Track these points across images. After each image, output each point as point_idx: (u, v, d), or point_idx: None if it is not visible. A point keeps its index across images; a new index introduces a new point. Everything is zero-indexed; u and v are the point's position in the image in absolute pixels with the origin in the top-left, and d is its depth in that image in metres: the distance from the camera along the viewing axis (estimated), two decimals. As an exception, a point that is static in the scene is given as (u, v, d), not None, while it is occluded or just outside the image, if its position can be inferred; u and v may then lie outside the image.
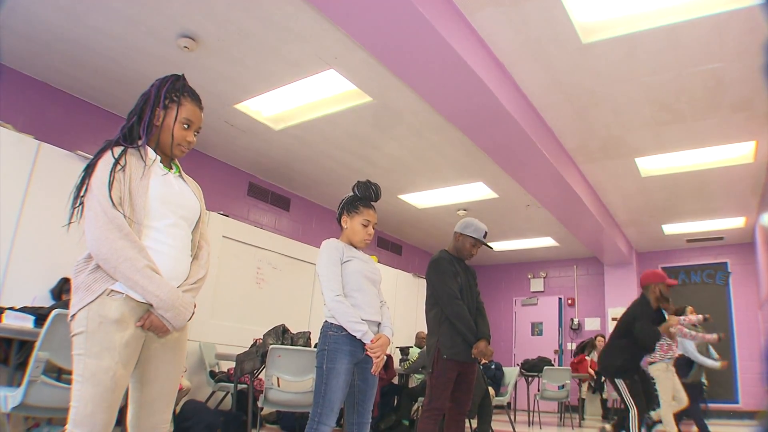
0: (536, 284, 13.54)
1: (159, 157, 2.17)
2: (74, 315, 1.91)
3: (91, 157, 2.09)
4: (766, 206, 8.10)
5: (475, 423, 6.84)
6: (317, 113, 6.64)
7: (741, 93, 5.79)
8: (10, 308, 3.96)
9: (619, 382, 5.12)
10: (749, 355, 10.69)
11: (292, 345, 5.29)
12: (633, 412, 5.01)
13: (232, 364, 5.75)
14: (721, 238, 11.15)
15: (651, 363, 6.00)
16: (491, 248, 4.62)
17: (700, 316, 6.67)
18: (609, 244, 10.49)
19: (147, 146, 2.15)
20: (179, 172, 2.28)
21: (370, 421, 3.11)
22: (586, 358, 10.62)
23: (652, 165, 7.83)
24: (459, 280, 4.16)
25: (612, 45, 5.14)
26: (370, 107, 6.38)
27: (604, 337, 11.02)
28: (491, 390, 7.22)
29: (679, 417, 6.18)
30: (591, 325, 12.40)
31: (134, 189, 2.02)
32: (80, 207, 2.02)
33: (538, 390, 8.88)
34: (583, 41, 5.08)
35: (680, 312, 6.66)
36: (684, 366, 7.14)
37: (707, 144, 7.06)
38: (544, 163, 6.78)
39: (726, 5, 4.56)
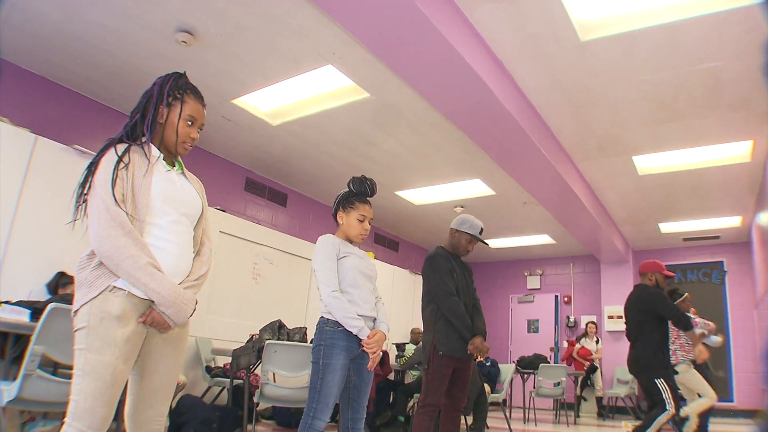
0: (533, 282, 13.57)
1: (162, 155, 2.18)
2: (77, 311, 1.93)
3: (90, 152, 2.10)
4: (763, 205, 8.11)
5: (470, 419, 6.85)
6: (315, 109, 6.63)
7: (739, 92, 5.80)
8: (6, 302, 3.95)
9: (660, 383, 4.90)
10: (744, 354, 10.73)
11: (288, 340, 5.29)
12: (668, 413, 4.83)
13: (229, 360, 5.75)
14: (717, 237, 11.17)
15: (673, 365, 5.95)
16: (487, 245, 4.63)
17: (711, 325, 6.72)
18: (606, 242, 10.51)
19: (150, 143, 2.16)
20: (182, 169, 2.30)
21: (365, 416, 3.12)
22: (577, 345, 10.71)
23: (649, 163, 7.84)
24: (455, 276, 4.17)
25: (610, 43, 5.14)
26: (368, 103, 6.38)
27: (595, 324, 11.09)
28: (487, 387, 7.24)
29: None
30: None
31: (137, 186, 2.03)
32: (84, 205, 2.04)
33: (534, 387, 8.91)
34: (581, 39, 5.08)
35: (676, 294, 6.64)
36: None
37: (705, 143, 7.07)
38: (542, 160, 6.78)
39: (725, 4, 4.56)
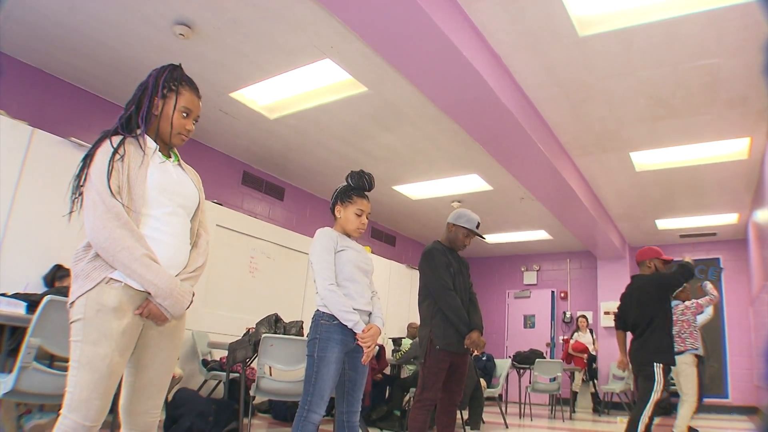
0: (529, 277, 13.59)
1: (158, 146, 2.18)
2: (73, 302, 1.93)
3: (87, 145, 2.09)
4: (759, 203, 8.13)
5: (466, 414, 6.87)
6: (313, 103, 6.62)
7: (736, 89, 5.80)
8: (2, 294, 3.95)
9: (658, 368, 4.66)
10: (739, 350, 10.77)
11: (284, 334, 5.30)
12: (654, 399, 4.61)
13: (225, 353, 5.76)
14: (714, 234, 11.20)
15: (679, 353, 5.83)
16: (484, 238, 4.63)
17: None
18: (602, 238, 10.53)
19: (146, 135, 2.15)
20: (178, 160, 2.30)
21: (360, 410, 3.13)
22: (571, 341, 10.76)
23: (646, 160, 7.85)
24: (452, 271, 4.17)
25: (608, 39, 5.13)
26: (365, 97, 6.37)
27: (586, 318, 11.13)
28: (483, 381, 7.25)
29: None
30: (583, 318, 12.46)
31: (132, 178, 2.03)
32: (80, 197, 2.03)
33: (530, 382, 8.93)
34: (579, 34, 5.08)
35: None
36: None
37: (702, 139, 7.08)
38: (539, 155, 6.78)
39: (723, 1, 4.56)
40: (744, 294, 10.97)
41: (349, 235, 3.25)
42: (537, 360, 8.91)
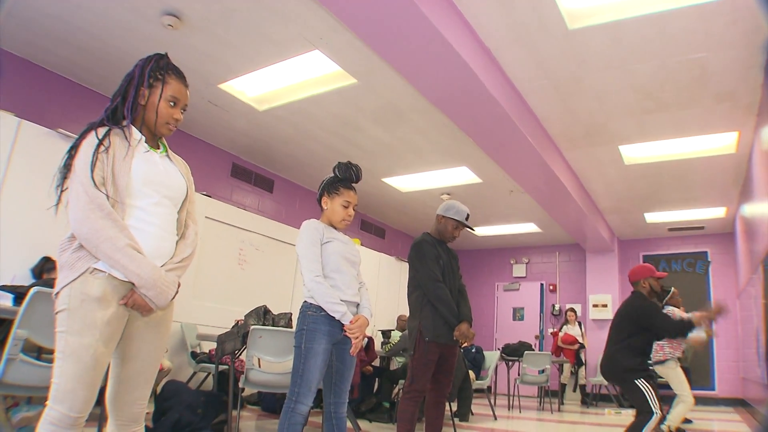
0: (518, 270, 13.65)
1: (144, 137, 2.17)
2: (58, 293, 1.93)
3: (73, 135, 2.09)
4: (747, 197, 8.18)
5: (455, 406, 6.90)
6: (302, 94, 6.60)
7: (725, 83, 5.83)
8: (-11, 286, 3.93)
9: (641, 383, 4.55)
10: (726, 343, 10.86)
11: (273, 326, 5.29)
12: (656, 418, 4.63)
13: (214, 345, 5.75)
14: (701, 228, 11.28)
15: (660, 361, 6.00)
16: (473, 230, 4.64)
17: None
18: (591, 231, 10.57)
19: (132, 126, 2.15)
20: (166, 151, 2.29)
21: (347, 401, 3.14)
22: (560, 333, 10.82)
23: (635, 153, 7.88)
24: (441, 262, 4.17)
25: (598, 32, 5.14)
26: (355, 89, 6.36)
27: (574, 311, 11.19)
28: (471, 373, 7.28)
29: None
30: (572, 311, 12.52)
31: (117, 169, 2.02)
32: (66, 189, 2.03)
33: (519, 374, 8.97)
34: (569, 27, 5.08)
35: (665, 292, 6.66)
36: None
37: (690, 133, 7.11)
38: (528, 148, 6.79)
39: (711, -6, 4.58)
40: (731, 287, 11.06)
41: (335, 227, 3.25)
42: (526, 352, 8.94)
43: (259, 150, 8.54)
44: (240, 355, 5.22)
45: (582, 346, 10.64)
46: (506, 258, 13.91)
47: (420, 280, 4.14)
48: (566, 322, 11.16)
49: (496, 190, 9.62)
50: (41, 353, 3.64)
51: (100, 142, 2.00)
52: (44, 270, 4.90)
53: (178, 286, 2.13)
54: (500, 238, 13.11)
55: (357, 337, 3.01)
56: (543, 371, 8.94)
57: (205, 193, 7.40)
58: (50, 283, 3.58)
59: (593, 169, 8.56)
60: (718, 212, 10.23)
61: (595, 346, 11.38)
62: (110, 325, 1.93)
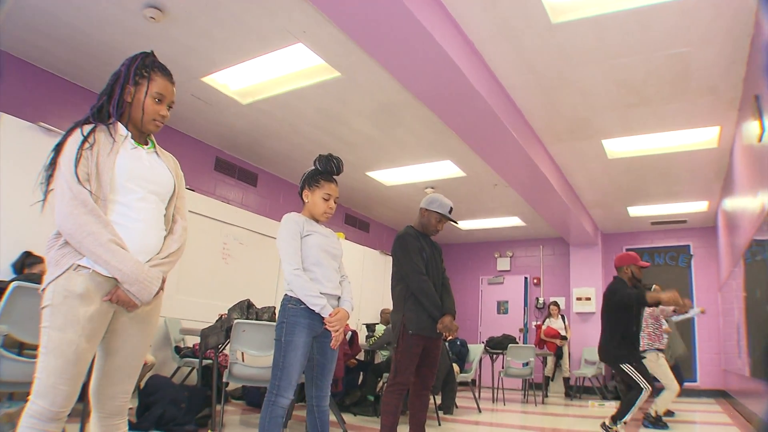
0: (503, 263, 13.71)
1: (130, 134, 2.19)
2: (44, 289, 1.96)
3: (56, 130, 2.09)
4: (729, 191, 8.26)
5: (439, 399, 6.91)
6: (285, 88, 6.57)
7: (707, 78, 5.87)
8: (-32, 281, 3.88)
9: (626, 366, 5.12)
10: (708, 335, 11.00)
11: (256, 320, 5.27)
12: (645, 392, 5.02)
13: (198, 340, 5.73)
14: (684, 222, 11.38)
15: (642, 351, 6.23)
16: (456, 223, 4.65)
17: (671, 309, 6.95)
18: (575, 224, 10.64)
19: (118, 123, 2.16)
20: (154, 147, 2.30)
21: (329, 394, 3.14)
22: (543, 326, 10.92)
23: (618, 147, 7.93)
24: (424, 255, 4.18)
25: (581, 26, 5.15)
26: (338, 83, 6.33)
27: (557, 305, 11.29)
28: (456, 366, 7.30)
29: None
30: (556, 304, 12.59)
31: (101, 165, 2.04)
32: (52, 189, 2.05)
33: (503, 367, 9.02)
34: (552, 21, 5.09)
35: (647, 289, 6.78)
36: None
37: (673, 128, 7.16)
38: (512, 142, 6.81)
39: (694, -11, 4.60)
40: (713, 280, 11.19)
41: (317, 220, 3.24)
42: (510, 345, 8.99)
43: (242, 144, 8.50)
44: (224, 349, 5.21)
45: (564, 339, 10.73)
46: (490, 252, 13.96)
47: (403, 273, 4.14)
48: (549, 315, 11.24)
49: (480, 184, 9.65)
50: (23, 349, 3.62)
51: (85, 139, 2.02)
52: (25, 265, 4.84)
53: (163, 281, 2.13)
54: (484, 232, 13.15)
55: (337, 330, 3.00)
56: (527, 364, 9.00)
57: (188, 187, 7.32)
58: (31, 278, 3.56)
59: (577, 163, 8.60)
60: (700, 206, 10.32)
61: (579, 339, 11.49)
62: (93, 321, 1.95)
